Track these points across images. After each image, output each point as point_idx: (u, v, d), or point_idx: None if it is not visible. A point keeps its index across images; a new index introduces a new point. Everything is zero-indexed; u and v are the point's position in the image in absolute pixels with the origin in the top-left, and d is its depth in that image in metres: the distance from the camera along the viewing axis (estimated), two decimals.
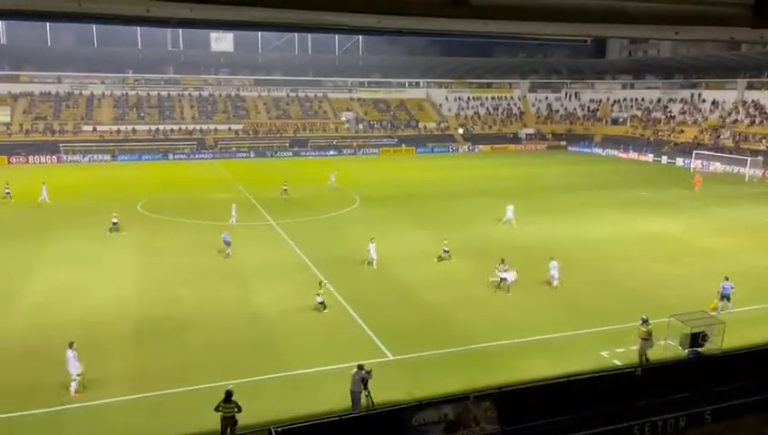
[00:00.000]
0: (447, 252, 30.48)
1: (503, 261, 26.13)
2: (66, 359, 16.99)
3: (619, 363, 19.16)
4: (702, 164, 67.81)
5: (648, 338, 19.00)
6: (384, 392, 16.41)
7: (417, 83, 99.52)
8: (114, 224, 34.80)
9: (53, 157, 70.40)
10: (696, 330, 18.79)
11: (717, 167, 66.15)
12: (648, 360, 18.95)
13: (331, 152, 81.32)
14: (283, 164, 71.93)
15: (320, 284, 24.31)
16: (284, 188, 47.24)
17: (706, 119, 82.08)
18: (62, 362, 17.05)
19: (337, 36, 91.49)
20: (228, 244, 30.30)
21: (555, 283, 26.22)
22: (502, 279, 25.47)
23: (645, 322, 19.12)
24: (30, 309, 23.32)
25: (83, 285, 26.05)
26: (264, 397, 16.95)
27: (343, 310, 23.68)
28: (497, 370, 18.75)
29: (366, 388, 15.80)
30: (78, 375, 16.98)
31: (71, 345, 17.23)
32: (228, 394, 14.66)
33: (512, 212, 37.28)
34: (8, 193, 44.21)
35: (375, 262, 28.89)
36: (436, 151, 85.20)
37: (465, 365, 19.22)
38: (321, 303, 23.31)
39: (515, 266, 26.30)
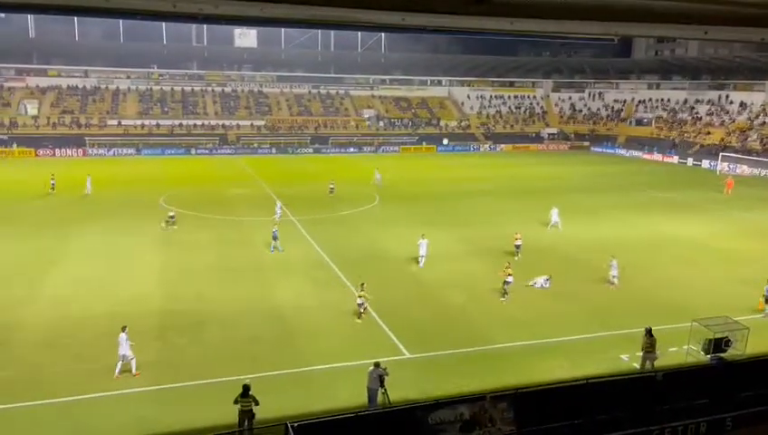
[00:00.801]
0: (519, 247, 30.45)
1: (509, 264, 25.87)
2: (118, 341, 17.86)
3: (639, 367, 18.93)
4: (729, 167, 66.61)
5: (650, 350, 18.44)
6: (400, 391, 16.42)
7: (440, 81, 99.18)
8: (171, 217, 35.23)
9: (79, 150, 71.60)
10: (718, 335, 18.48)
11: (744, 170, 64.95)
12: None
13: (352, 149, 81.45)
14: (304, 161, 72.25)
15: (361, 285, 22.69)
16: (331, 187, 46.92)
17: (734, 121, 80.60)
18: (85, 351, 17.35)
19: (360, 33, 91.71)
20: (276, 238, 30.94)
21: (615, 281, 26.46)
22: (507, 283, 24.86)
23: (648, 332, 18.55)
24: (55, 300, 23.75)
25: (108, 278, 26.45)
26: (282, 392, 17.06)
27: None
28: (515, 371, 18.64)
29: (383, 386, 15.82)
30: (125, 357, 17.85)
31: (123, 329, 18.13)
32: (246, 388, 14.80)
33: (557, 215, 36.94)
34: (53, 185, 45.61)
35: (423, 260, 28.77)
36: (456, 150, 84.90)
37: (482, 365, 19.15)
38: (361, 305, 22.20)
39: (548, 271, 26.36)
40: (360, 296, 22.42)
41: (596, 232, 36.44)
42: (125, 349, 17.87)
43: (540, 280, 26.38)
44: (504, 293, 24.81)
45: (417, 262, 28.90)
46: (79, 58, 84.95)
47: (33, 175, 48.48)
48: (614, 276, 26.47)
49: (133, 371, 17.90)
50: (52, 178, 45.85)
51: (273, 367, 18.49)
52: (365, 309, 22.33)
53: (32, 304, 23.19)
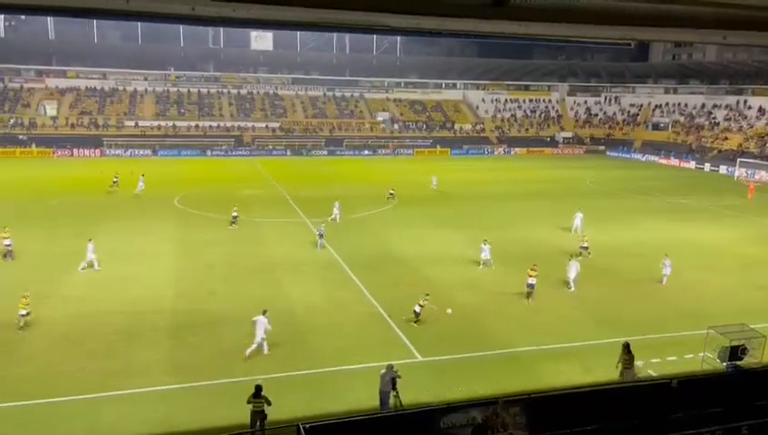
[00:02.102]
0: (587, 248, 30.93)
1: (534, 266, 25.41)
2: (256, 322, 19.17)
3: (653, 374, 18.74)
4: (746, 172, 65.85)
5: (629, 367, 17.71)
6: (412, 394, 16.40)
7: (454, 85, 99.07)
8: (234, 217, 36.12)
9: (97, 150, 72.48)
10: (735, 343, 18.24)
11: (763, 175, 64.13)
12: None
13: (366, 152, 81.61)
14: (319, 163, 72.45)
15: (426, 295, 22.41)
16: (391, 192, 46.38)
17: (752, 126, 79.60)
18: (99, 349, 17.49)
19: (375, 36, 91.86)
20: (321, 236, 31.97)
21: (664, 281, 26.97)
22: (530, 285, 24.75)
23: (626, 348, 17.87)
24: (70, 299, 24.01)
25: (122, 276, 26.69)
26: (294, 393, 17.11)
27: (374, 310, 23.73)
28: (527, 375, 18.54)
29: (395, 388, 15.82)
30: (262, 339, 19.09)
31: (264, 312, 19.45)
32: (258, 389, 14.86)
33: (580, 220, 36.69)
34: (116, 182, 47.79)
35: (490, 263, 29.14)
36: (470, 153, 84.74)
37: (494, 369, 19.06)
38: (417, 313, 21.98)
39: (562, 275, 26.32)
40: (420, 305, 22.05)
41: (612, 237, 36.12)
42: (261, 332, 18.99)
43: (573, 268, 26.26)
44: (529, 295, 24.73)
45: (486, 265, 29.35)
46: (97, 60, 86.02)
47: (96, 171, 51.81)
48: (665, 275, 26.95)
49: (265, 351, 19.11)
50: (116, 177, 48.21)
51: (285, 368, 18.54)
52: (417, 317, 22.10)
53: (48, 301, 23.46)
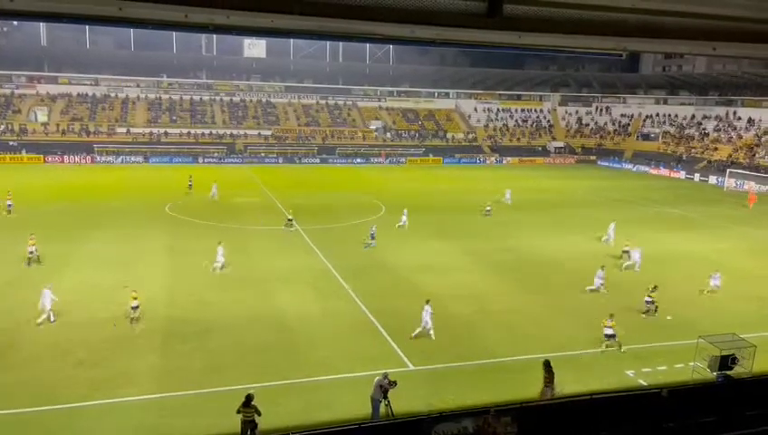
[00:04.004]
0: (627, 252, 31.73)
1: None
2: (424, 309, 21.37)
3: (644, 383, 18.78)
4: (736, 183, 66.47)
5: (549, 384, 17.02)
6: (404, 402, 16.34)
7: (447, 94, 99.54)
8: (289, 220, 37.98)
9: (88, 157, 72.11)
10: (725, 352, 18.32)
11: (752, 186, 64.71)
12: None
13: (358, 160, 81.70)
14: (311, 170, 72.38)
15: (610, 316, 21.62)
16: (487, 208, 45.29)
17: (741, 137, 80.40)
18: (88, 358, 17.28)
19: (368, 45, 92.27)
20: (373, 237, 33.94)
21: (707, 290, 27.53)
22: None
23: (547, 366, 17.22)
24: (60, 306, 23.79)
25: (112, 284, 26.48)
26: (285, 402, 17.00)
27: (365, 317, 23.67)
28: (519, 384, 18.51)
29: (386, 397, 15.76)
30: (427, 323, 21.28)
31: (427, 302, 21.63)
32: (248, 398, 14.75)
33: (613, 230, 36.99)
34: (191, 185, 50.86)
35: (637, 264, 30.43)
36: (463, 162, 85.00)
37: (486, 378, 19.04)
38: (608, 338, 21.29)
39: (552, 285, 25.99)
40: (608, 327, 21.41)
41: (604, 247, 36.25)
42: (427, 318, 21.28)
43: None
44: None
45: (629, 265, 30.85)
46: (89, 66, 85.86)
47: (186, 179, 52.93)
48: (716, 286, 27.51)
49: (432, 336, 21.24)
50: (190, 180, 51.32)
51: (276, 377, 18.43)
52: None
53: (37, 308, 23.23)
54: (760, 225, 44.89)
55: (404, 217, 39.19)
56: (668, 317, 24.32)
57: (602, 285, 27.18)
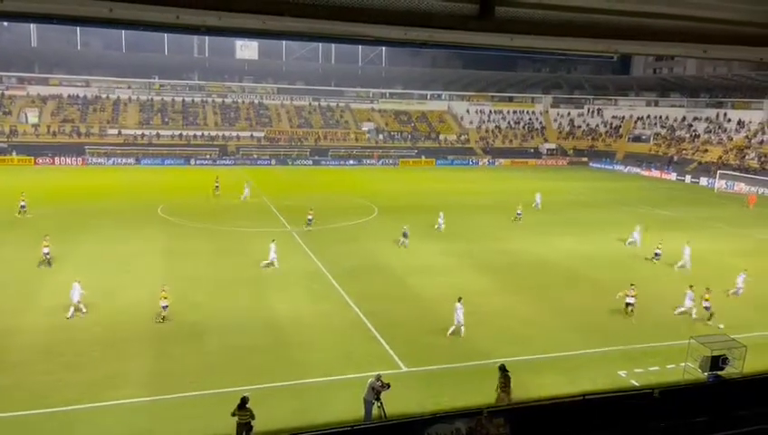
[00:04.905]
0: (659, 255, 32.40)
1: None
2: (455, 308, 21.87)
3: (636, 384, 18.85)
4: (726, 184, 66.99)
5: (505, 389, 16.68)
6: (397, 404, 16.31)
7: (439, 96, 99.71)
8: (309, 220, 38.65)
9: (79, 159, 71.70)
10: (716, 353, 18.43)
11: (742, 188, 65.21)
12: None
13: (351, 162, 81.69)
14: (304, 172, 72.29)
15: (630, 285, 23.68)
16: (518, 213, 44.22)
17: (731, 138, 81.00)
18: (79, 361, 17.17)
19: (360, 47, 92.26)
20: (406, 235, 34.92)
21: (740, 292, 27.73)
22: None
23: (502, 370, 16.95)
24: (51, 308, 23.63)
25: (104, 286, 26.32)
26: (278, 404, 16.94)
27: (358, 319, 23.65)
28: (512, 386, 18.52)
29: (378, 399, 15.74)
30: (459, 322, 21.81)
31: (459, 299, 22.11)
32: (243, 400, 14.70)
33: (638, 233, 37.40)
34: (217, 187, 51.18)
35: (687, 265, 31.47)
36: (455, 164, 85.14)
37: (479, 380, 19.04)
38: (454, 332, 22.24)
39: (546, 286, 26.05)
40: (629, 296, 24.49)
41: (595, 247, 36.42)
42: (460, 316, 21.74)
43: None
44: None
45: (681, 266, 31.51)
46: (80, 67, 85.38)
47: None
48: (740, 288, 27.70)
49: (462, 333, 21.82)
50: (217, 182, 51.51)
51: (269, 379, 18.37)
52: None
53: (28, 311, 23.07)
54: (750, 224, 45.19)
55: (440, 220, 39.52)
56: (720, 326, 23.48)
57: (693, 307, 24.91)
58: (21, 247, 31.71)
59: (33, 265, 28.89)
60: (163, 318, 22.50)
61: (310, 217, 39.00)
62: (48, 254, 28.98)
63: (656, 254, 33.16)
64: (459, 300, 22.16)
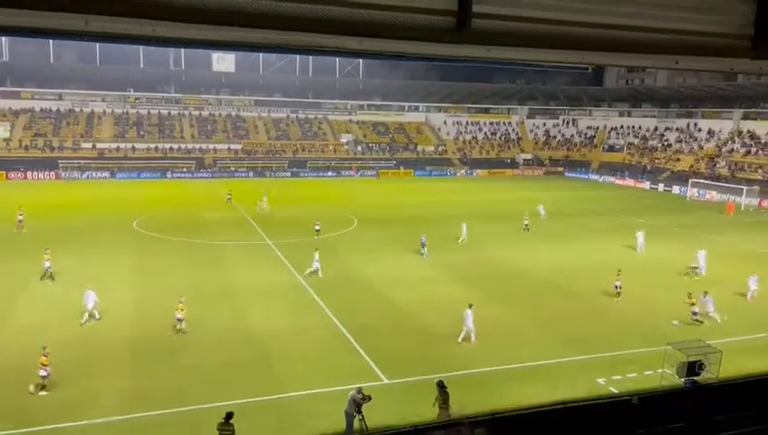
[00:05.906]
0: (696, 268, 32.26)
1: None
2: (465, 315, 22.13)
3: (615, 391, 19.03)
4: (698, 192, 68.29)
5: (443, 406, 16.25)
6: (378, 416, 16.22)
7: (417, 107, 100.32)
8: (317, 229, 39.58)
9: (52, 173, 70.54)
10: (692, 358, 18.69)
11: (713, 196, 66.53)
12: None
13: (330, 174, 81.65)
14: (282, 184, 72.00)
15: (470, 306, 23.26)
16: (525, 223, 44.15)
17: (702, 148, 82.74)
18: (54, 379, 16.82)
19: (338, 59, 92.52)
20: (424, 245, 35.38)
21: (750, 295, 28.22)
22: (694, 313, 25.10)
23: (440, 386, 16.47)
24: (25, 327, 23.11)
25: (79, 302, 25.82)
26: (259, 419, 16.74)
27: (338, 332, 23.53)
28: (492, 395, 18.58)
29: (360, 412, 15.65)
30: (469, 328, 22.05)
31: (470, 306, 22.20)
32: (228, 415, 14.56)
33: (642, 238, 38.31)
34: (229, 198, 53.67)
35: (703, 269, 32.17)
36: (434, 175, 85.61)
37: (459, 390, 19.02)
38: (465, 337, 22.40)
39: (522, 296, 26.20)
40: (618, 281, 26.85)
41: (571, 256, 36.80)
42: (470, 322, 21.88)
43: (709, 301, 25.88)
44: (697, 321, 24.93)
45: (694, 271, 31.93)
46: (53, 81, 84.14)
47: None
48: (752, 290, 28.21)
49: (473, 339, 22.04)
50: (229, 193, 54.23)
51: (249, 393, 18.16)
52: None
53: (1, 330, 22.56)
54: (720, 231, 46.10)
55: (464, 231, 39.66)
56: (725, 316, 24.68)
57: (714, 310, 25.57)
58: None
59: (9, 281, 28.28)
60: (178, 331, 22.45)
61: (317, 226, 39.90)
62: (49, 268, 28.77)
63: (692, 267, 32.86)
64: (470, 307, 22.32)
